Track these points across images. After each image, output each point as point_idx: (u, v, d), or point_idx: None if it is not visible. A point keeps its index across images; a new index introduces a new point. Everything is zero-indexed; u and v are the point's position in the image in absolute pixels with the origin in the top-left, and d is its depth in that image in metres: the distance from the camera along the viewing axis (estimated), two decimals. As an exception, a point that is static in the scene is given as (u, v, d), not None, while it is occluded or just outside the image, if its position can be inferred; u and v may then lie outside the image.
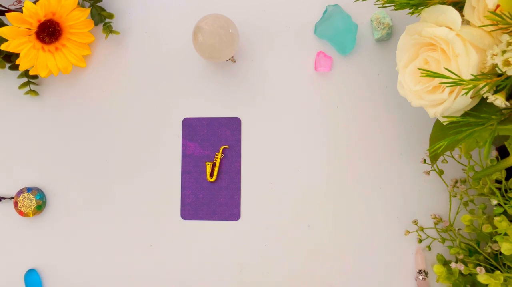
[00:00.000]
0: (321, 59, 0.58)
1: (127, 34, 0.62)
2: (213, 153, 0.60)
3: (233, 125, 0.60)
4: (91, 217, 0.60)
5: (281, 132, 0.59)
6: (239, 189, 0.59)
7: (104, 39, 0.62)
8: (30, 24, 0.55)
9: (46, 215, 0.61)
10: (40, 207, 0.60)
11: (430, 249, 0.56)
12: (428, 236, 0.55)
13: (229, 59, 0.58)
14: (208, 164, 0.59)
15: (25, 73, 0.61)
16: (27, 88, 0.62)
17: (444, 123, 0.44)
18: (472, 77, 0.39)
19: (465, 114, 0.42)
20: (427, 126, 0.56)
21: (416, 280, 0.55)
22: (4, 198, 0.61)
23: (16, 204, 0.60)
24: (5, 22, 0.59)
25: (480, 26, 0.40)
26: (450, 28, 0.41)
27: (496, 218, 0.46)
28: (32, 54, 0.57)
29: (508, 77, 0.38)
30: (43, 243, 0.61)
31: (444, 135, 0.45)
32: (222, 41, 0.54)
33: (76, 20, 0.58)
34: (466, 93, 0.39)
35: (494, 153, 0.50)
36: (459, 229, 0.54)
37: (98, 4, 0.61)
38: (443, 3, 0.43)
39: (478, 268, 0.46)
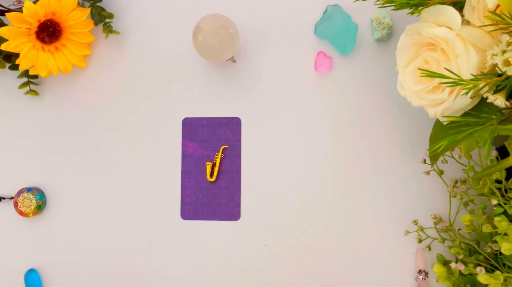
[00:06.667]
0: (321, 59, 0.58)
1: (127, 34, 0.62)
2: (213, 153, 0.60)
3: (233, 125, 0.60)
4: (91, 217, 0.60)
5: (281, 132, 0.59)
6: (239, 189, 0.59)
7: (104, 39, 0.62)
8: (30, 24, 0.55)
9: (46, 215, 0.61)
10: (40, 207, 0.60)
11: (430, 249, 0.56)
12: (428, 236, 0.55)
13: (229, 59, 0.58)
14: (208, 164, 0.59)
15: (25, 73, 0.61)
16: (27, 88, 0.62)
17: (444, 123, 0.44)
18: (472, 77, 0.39)
19: (465, 114, 0.42)
20: (427, 126, 0.56)
21: (416, 280, 0.55)
22: (4, 198, 0.61)
23: (16, 204, 0.60)
24: (5, 22, 0.59)
25: (480, 26, 0.40)
26: (450, 28, 0.41)
27: (496, 218, 0.46)
28: (32, 54, 0.57)
29: (508, 77, 0.38)
30: (43, 243, 0.61)
31: (444, 135, 0.45)
32: (222, 41, 0.54)
33: (76, 20, 0.58)
34: (466, 93, 0.39)
35: (494, 153, 0.50)
36: (459, 229, 0.54)
37: (98, 4, 0.61)
38: (443, 3, 0.43)
39: (478, 268, 0.46)
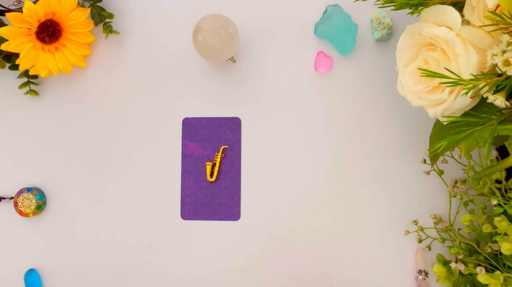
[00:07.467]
0: (321, 59, 0.58)
1: (127, 34, 0.62)
2: (213, 153, 0.60)
3: (233, 125, 0.60)
4: (91, 217, 0.60)
5: (281, 132, 0.59)
6: (239, 189, 0.59)
7: (104, 39, 0.62)
8: (30, 24, 0.55)
9: (46, 215, 0.61)
10: (40, 207, 0.60)
11: (430, 249, 0.56)
12: (428, 236, 0.55)
13: (229, 59, 0.58)
14: (208, 164, 0.59)
15: (25, 73, 0.61)
16: (27, 88, 0.62)
17: (444, 123, 0.44)
18: (472, 77, 0.39)
19: (465, 114, 0.42)
20: (427, 126, 0.56)
21: (416, 280, 0.55)
22: (4, 198, 0.61)
23: (16, 204, 0.60)
24: (5, 22, 0.59)
25: (480, 26, 0.40)
26: (450, 28, 0.41)
27: (496, 218, 0.46)
28: (32, 54, 0.57)
29: (508, 77, 0.38)
30: (43, 243, 0.61)
31: (444, 135, 0.45)
32: (222, 41, 0.54)
33: (76, 20, 0.58)
34: (466, 93, 0.39)
35: (494, 153, 0.50)
36: (459, 229, 0.54)
37: (98, 4, 0.61)
38: (443, 3, 0.43)
39: (478, 268, 0.46)
